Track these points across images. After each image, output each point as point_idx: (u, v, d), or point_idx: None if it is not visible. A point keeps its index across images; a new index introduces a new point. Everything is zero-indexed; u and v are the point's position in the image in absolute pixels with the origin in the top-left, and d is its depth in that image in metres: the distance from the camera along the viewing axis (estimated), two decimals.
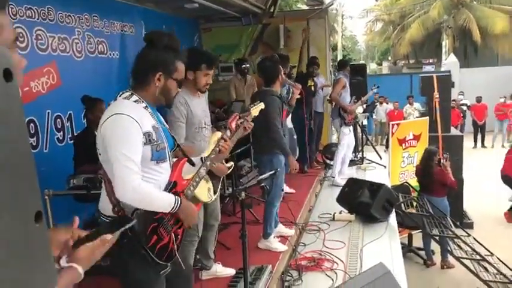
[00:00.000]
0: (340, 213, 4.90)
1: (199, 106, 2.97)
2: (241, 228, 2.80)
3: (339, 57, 27.73)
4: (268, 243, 3.87)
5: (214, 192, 2.56)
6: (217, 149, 2.31)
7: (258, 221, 4.34)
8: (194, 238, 2.82)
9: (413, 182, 7.20)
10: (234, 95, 6.43)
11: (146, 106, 1.94)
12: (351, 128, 6.19)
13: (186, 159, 2.15)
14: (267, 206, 3.96)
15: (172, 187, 2.02)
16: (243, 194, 2.76)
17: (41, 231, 0.54)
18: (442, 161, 6.44)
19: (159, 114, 2.04)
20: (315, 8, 8.74)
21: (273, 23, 7.91)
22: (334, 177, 6.14)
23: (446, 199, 6.53)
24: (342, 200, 5.01)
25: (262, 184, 3.12)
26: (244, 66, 6.49)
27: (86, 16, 4.60)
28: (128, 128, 1.81)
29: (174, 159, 2.12)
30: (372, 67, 35.33)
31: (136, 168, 1.81)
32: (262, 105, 3.07)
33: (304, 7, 17.54)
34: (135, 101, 1.92)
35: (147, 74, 1.94)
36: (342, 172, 6.30)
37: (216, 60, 3.25)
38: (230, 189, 5.06)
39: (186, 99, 2.86)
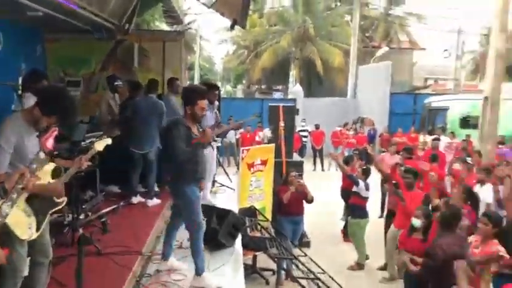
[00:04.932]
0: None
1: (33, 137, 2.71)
2: (77, 267, 2.62)
3: (196, 76, 28.26)
4: (203, 281, 3.70)
5: (38, 229, 2.34)
6: (19, 186, 2.09)
7: (99, 251, 4.04)
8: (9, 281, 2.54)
9: (260, 204, 7.62)
10: (106, 113, 6.29)
11: None
12: None
13: None
14: (191, 241, 3.82)
15: None
16: (80, 230, 2.61)
17: None
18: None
19: None
20: (173, 29, 8.80)
21: (128, 40, 7.67)
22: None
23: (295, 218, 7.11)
24: None
25: (103, 220, 2.98)
26: (117, 83, 6.40)
27: None
28: None
29: None
30: (227, 89, 36.74)
31: None
32: (109, 141, 2.98)
33: (164, 26, 17.52)
34: None
35: None
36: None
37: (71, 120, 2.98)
38: (70, 216, 4.69)
39: (21, 130, 2.61)
